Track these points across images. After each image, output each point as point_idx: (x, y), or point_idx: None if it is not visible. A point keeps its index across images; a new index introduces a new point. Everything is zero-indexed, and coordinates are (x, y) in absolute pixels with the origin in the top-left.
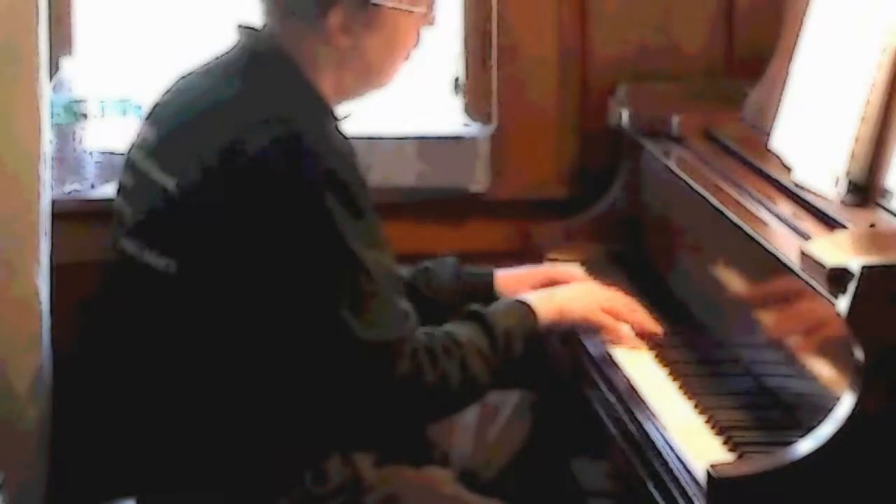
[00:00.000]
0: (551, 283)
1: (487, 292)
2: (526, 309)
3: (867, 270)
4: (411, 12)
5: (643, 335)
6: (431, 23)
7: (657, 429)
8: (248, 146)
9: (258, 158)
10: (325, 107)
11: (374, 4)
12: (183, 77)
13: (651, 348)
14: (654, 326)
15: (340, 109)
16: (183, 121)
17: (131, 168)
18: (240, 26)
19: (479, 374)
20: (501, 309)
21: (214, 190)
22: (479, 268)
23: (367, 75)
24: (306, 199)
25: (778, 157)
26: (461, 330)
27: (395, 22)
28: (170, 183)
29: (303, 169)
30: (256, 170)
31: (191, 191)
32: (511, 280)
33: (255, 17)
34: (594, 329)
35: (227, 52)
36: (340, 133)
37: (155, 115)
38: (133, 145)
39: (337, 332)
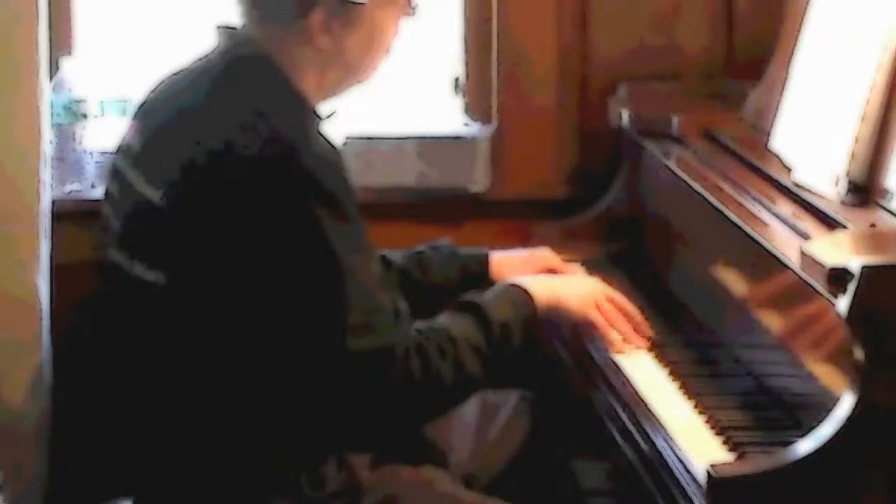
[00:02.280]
0: (547, 272)
1: (482, 276)
2: (523, 295)
3: (867, 270)
4: (390, 6)
5: (632, 338)
6: (411, 14)
7: (657, 428)
8: (231, 154)
9: (242, 167)
10: (308, 109)
11: (353, 2)
12: (166, 79)
13: (651, 349)
14: (643, 331)
15: (323, 108)
16: (166, 126)
17: (116, 175)
18: (219, 27)
19: (474, 370)
20: (497, 298)
21: (199, 201)
22: (474, 249)
23: (349, 72)
24: (291, 205)
25: (778, 157)
26: (456, 324)
27: (374, 17)
28: (155, 195)
29: (287, 175)
30: (240, 178)
31: (176, 203)
32: (507, 264)
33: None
34: (586, 325)
35: (207, 54)
36: (324, 136)
37: (138, 120)
38: (118, 149)
39: (326, 340)
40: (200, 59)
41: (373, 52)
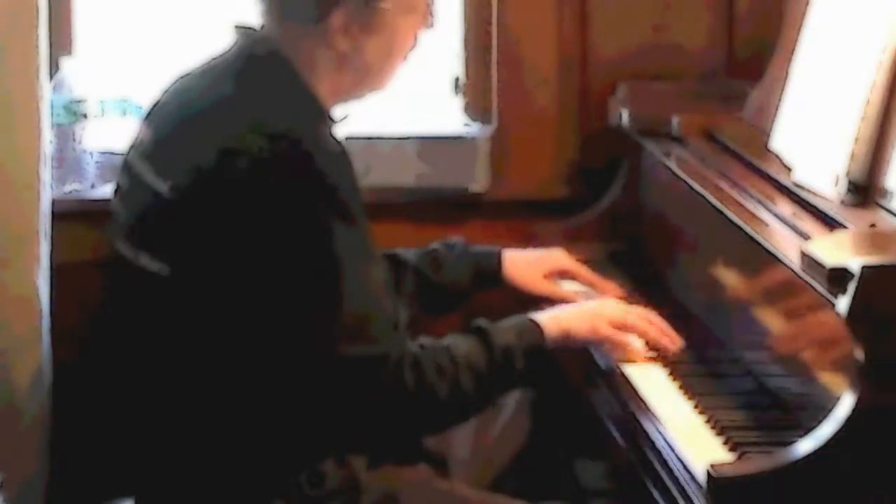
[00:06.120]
0: (560, 273)
1: (495, 274)
2: (532, 326)
3: (867, 270)
4: (410, 15)
5: (655, 349)
6: (430, 25)
7: (657, 429)
8: (240, 152)
9: (250, 164)
10: (321, 110)
11: (375, 7)
12: (181, 77)
13: (663, 364)
14: (668, 341)
15: (337, 111)
16: (178, 123)
17: (127, 169)
18: (237, 27)
19: (471, 390)
20: (506, 326)
21: (206, 195)
22: (487, 247)
23: (365, 78)
24: (297, 205)
25: (778, 157)
26: (460, 344)
27: (394, 24)
28: (163, 187)
29: (294, 175)
30: (248, 175)
31: (183, 195)
32: (519, 263)
33: (253, 17)
34: (602, 345)
35: (223, 53)
36: (335, 138)
37: (151, 117)
38: (130, 146)
39: (320, 342)
40: (216, 58)
41: (390, 59)
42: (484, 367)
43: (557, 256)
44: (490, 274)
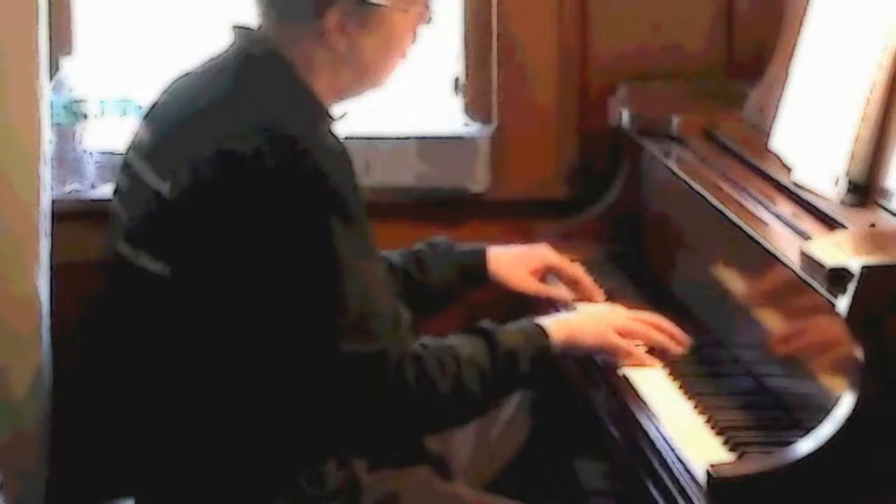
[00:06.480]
0: (546, 269)
1: (480, 272)
2: (538, 330)
3: (867, 270)
4: (407, 11)
5: (662, 353)
6: (428, 21)
7: (657, 429)
8: (240, 151)
9: (250, 164)
10: (320, 109)
11: (371, 4)
12: (179, 78)
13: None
14: (676, 346)
15: (336, 109)
16: (177, 123)
17: (126, 170)
18: (235, 27)
19: (474, 390)
20: (510, 328)
21: (207, 195)
22: (472, 245)
23: (364, 75)
24: (298, 204)
25: (778, 157)
26: (464, 345)
27: (391, 21)
28: (163, 187)
29: (294, 174)
30: (248, 175)
31: (184, 195)
32: (504, 260)
33: (251, 17)
34: (608, 353)
35: (221, 54)
36: (334, 136)
37: (151, 117)
38: (129, 147)
39: (321, 341)
40: (214, 59)
41: (388, 57)
42: (488, 368)
43: (542, 252)
44: (475, 273)
